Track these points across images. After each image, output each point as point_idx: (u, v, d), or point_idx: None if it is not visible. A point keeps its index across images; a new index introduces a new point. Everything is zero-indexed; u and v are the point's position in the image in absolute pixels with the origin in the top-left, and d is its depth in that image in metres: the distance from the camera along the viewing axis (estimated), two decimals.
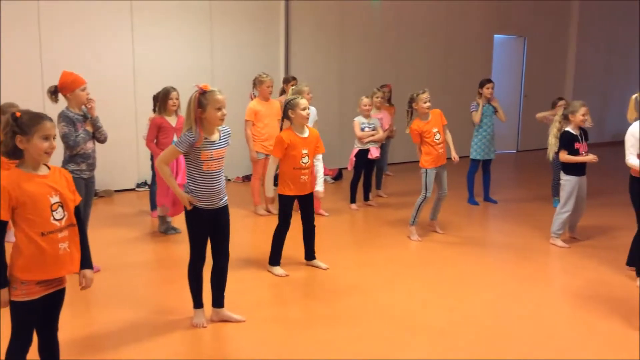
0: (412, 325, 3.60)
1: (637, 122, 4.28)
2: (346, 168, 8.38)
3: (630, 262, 4.52)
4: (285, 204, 4.50)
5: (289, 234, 4.54)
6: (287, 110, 4.42)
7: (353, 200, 6.80)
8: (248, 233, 5.76)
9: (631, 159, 4.27)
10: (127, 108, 7.47)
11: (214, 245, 3.52)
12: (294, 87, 6.63)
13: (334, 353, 3.23)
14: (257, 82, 6.34)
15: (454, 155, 5.58)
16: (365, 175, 6.87)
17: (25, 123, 2.43)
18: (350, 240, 5.69)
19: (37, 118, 2.48)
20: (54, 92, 4.27)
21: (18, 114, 2.45)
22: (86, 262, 2.61)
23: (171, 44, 7.85)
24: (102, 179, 6.63)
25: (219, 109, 3.29)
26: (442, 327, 3.58)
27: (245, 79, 8.14)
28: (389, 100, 8.43)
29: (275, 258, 4.57)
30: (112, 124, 6.24)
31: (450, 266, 4.80)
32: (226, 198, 3.51)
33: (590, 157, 5.09)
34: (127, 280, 4.37)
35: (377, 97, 7.02)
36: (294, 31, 8.86)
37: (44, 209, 2.42)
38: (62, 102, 4.23)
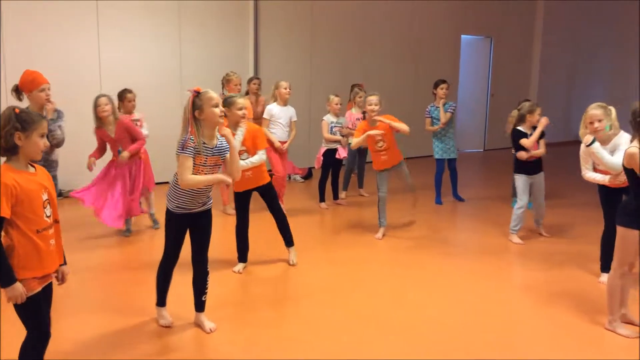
0: (379, 324, 3.63)
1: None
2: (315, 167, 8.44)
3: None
4: (238, 200, 4.60)
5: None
6: (224, 108, 4.38)
7: (322, 199, 6.84)
8: (217, 232, 5.73)
9: (587, 174, 4.22)
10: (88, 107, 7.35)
11: (194, 252, 3.48)
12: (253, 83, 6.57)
13: (302, 353, 3.24)
14: (225, 82, 6.33)
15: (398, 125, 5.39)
16: (332, 174, 6.91)
17: (26, 120, 2.44)
18: (318, 239, 5.70)
19: (36, 116, 2.52)
20: (16, 91, 4.19)
21: (17, 110, 2.45)
22: (62, 258, 2.69)
23: (138, 44, 7.74)
24: (69, 179, 6.52)
25: (216, 105, 3.25)
26: (410, 325, 3.62)
27: (214, 79, 8.08)
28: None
29: (240, 255, 4.64)
30: (79, 124, 6.16)
31: (416, 264, 4.85)
32: (210, 202, 3.46)
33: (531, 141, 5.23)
34: (89, 282, 4.32)
35: (360, 97, 6.94)
36: (262, 31, 8.83)
37: (38, 206, 2.46)
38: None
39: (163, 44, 7.97)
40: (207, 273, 3.51)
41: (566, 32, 13.34)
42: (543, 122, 5.24)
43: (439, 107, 6.97)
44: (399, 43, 10.56)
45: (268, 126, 6.21)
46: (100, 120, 5.21)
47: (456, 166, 7.20)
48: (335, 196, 7.04)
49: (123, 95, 5.79)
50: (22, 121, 2.43)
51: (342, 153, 6.80)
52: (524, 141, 5.24)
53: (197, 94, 3.24)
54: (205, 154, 3.23)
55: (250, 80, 7.58)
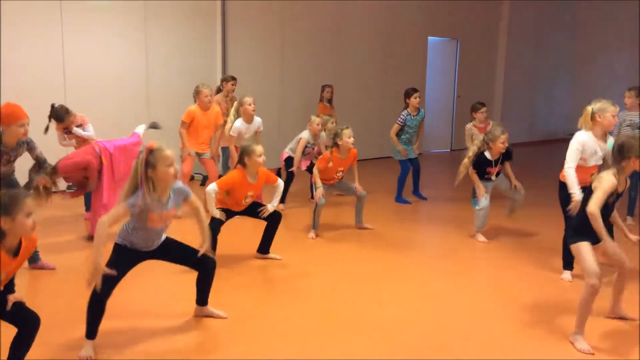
0: (344, 323, 3.64)
1: (583, 132, 4.23)
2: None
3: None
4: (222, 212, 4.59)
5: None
6: (243, 157, 4.50)
7: (282, 201, 6.84)
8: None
9: (570, 170, 4.20)
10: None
11: (187, 265, 3.50)
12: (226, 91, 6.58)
13: (268, 354, 3.24)
14: (195, 94, 6.24)
15: (358, 186, 5.74)
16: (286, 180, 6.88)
17: (8, 203, 2.44)
18: (286, 240, 5.69)
19: (19, 195, 2.53)
20: None
21: None
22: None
23: (104, 45, 7.62)
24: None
25: (170, 164, 3.12)
26: (373, 324, 3.65)
27: (182, 79, 8.05)
28: (329, 101, 8.51)
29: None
30: (43, 127, 6.03)
31: (381, 263, 4.89)
32: (164, 237, 3.42)
33: (482, 191, 5.35)
34: (51, 286, 4.23)
35: (332, 123, 7.02)
36: (230, 31, 8.78)
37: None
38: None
39: (129, 44, 7.86)
40: (214, 263, 3.57)
41: (530, 33, 13.62)
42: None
43: (416, 117, 7.03)
44: (368, 43, 10.63)
45: (234, 143, 6.19)
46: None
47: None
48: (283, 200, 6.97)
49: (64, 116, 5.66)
50: (4, 206, 2.40)
51: (302, 166, 6.75)
52: (472, 176, 5.41)
53: (150, 151, 3.09)
54: (158, 210, 3.16)
55: (227, 80, 7.53)
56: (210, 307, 3.69)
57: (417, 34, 11.50)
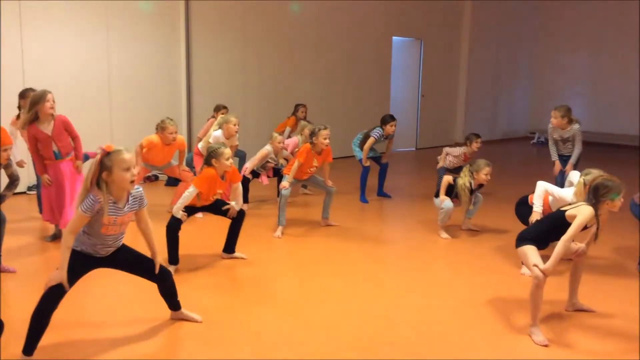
0: (305, 320, 3.66)
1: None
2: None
3: None
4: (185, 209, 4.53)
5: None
6: (211, 159, 4.50)
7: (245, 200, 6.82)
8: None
9: (536, 207, 4.51)
10: (16, 111, 7.01)
11: (142, 271, 3.37)
12: (222, 115, 6.62)
13: (225, 352, 3.23)
14: (159, 128, 5.94)
15: (328, 181, 5.85)
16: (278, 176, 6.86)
17: None
18: (252, 237, 5.67)
19: None
20: None
21: None
22: None
23: (64, 45, 7.45)
24: None
25: (128, 169, 3.00)
26: (335, 320, 3.67)
27: (144, 79, 7.94)
28: (304, 119, 8.40)
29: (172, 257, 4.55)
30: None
31: (343, 262, 4.92)
32: (121, 244, 3.30)
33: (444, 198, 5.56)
34: (14, 291, 4.13)
35: (309, 130, 6.89)
36: (194, 30, 8.69)
37: None
38: None
39: (90, 44, 7.71)
40: (169, 272, 3.46)
41: (491, 34, 13.87)
42: None
43: (385, 141, 7.22)
44: (332, 43, 10.65)
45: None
46: (38, 118, 4.87)
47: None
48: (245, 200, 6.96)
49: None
50: None
51: (264, 180, 6.71)
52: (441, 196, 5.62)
53: (107, 154, 2.98)
54: (114, 214, 3.05)
55: (218, 109, 7.55)
56: (185, 310, 3.62)
57: (382, 34, 11.58)
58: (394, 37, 11.92)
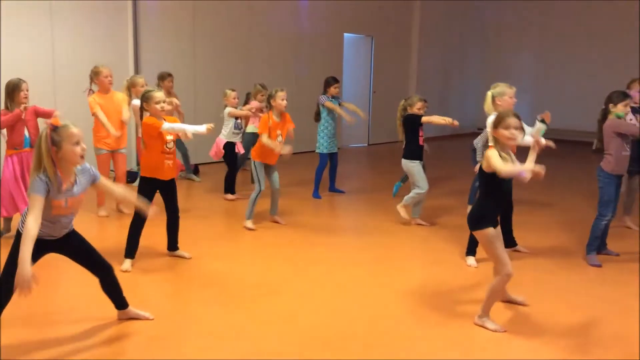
0: (257, 314, 3.66)
1: (491, 116, 4.37)
2: (202, 163, 8.35)
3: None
4: (144, 189, 4.37)
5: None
6: (143, 104, 4.37)
7: (230, 191, 6.89)
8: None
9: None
10: None
11: (87, 264, 3.28)
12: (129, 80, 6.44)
13: (178, 350, 3.21)
14: (93, 75, 5.82)
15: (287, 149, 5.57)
16: (232, 167, 6.97)
17: None
18: (204, 233, 5.64)
19: None
20: None
21: None
22: None
23: (7, 41, 7.14)
24: None
25: (77, 143, 2.90)
26: (287, 314, 3.68)
27: (90, 64, 7.73)
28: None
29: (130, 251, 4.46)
30: None
31: (296, 255, 4.95)
32: (72, 228, 3.21)
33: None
34: None
35: (262, 95, 6.99)
36: (142, 26, 8.50)
37: None
38: None
39: (33, 40, 7.45)
40: (111, 267, 3.35)
41: (441, 31, 14.12)
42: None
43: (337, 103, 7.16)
44: (283, 39, 10.61)
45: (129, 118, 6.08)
46: (15, 105, 5.00)
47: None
48: (232, 190, 7.00)
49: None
50: None
51: (240, 149, 6.96)
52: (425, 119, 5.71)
53: (54, 128, 2.87)
54: (63, 197, 2.94)
55: (164, 78, 7.38)
56: (133, 308, 3.52)
57: (333, 30, 11.62)
58: (345, 34, 11.98)
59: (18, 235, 2.94)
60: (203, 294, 4.04)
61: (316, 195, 7.19)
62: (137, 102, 5.99)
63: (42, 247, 3.01)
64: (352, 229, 6.10)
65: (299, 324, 3.57)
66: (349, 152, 11.48)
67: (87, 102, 5.92)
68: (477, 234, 3.50)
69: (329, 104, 7.00)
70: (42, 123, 5.08)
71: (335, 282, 4.33)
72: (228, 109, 6.88)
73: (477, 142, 6.02)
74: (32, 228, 2.79)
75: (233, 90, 6.97)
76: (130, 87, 6.06)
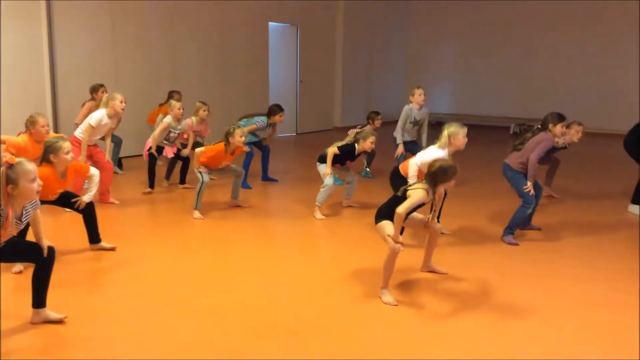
0: (190, 308, 3.63)
1: (440, 151, 4.72)
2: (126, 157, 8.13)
3: None
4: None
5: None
6: (48, 155, 4.18)
7: (151, 186, 6.79)
8: None
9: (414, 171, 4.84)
10: None
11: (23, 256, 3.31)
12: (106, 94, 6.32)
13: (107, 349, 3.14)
14: (29, 124, 5.26)
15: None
16: (183, 160, 6.93)
17: None
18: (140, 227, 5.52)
19: None
20: None
21: None
22: None
23: None
24: None
25: (34, 179, 2.95)
26: (223, 307, 3.69)
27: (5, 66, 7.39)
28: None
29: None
30: None
31: (233, 248, 4.95)
32: None
33: (329, 171, 5.77)
34: None
35: (204, 112, 7.00)
36: (57, 25, 8.09)
37: None
38: None
39: None
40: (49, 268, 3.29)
41: (366, 20, 14.31)
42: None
43: (268, 129, 7.24)
44: (206, 31, 10.39)
45: (90, 133, 5.92)
46: None
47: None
48: (183, 180, 7.04)
49: None
50: None
51: (169, 153, 6.79)
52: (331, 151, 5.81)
53: (10, 166, 2.88)
54: (11, 228, 3.00)
55: (97, 89, 7.18)
56: (48, 310, 3.35)
57: (258, 19, 11.52)
58: (270, 23, 11.92)
59: None
60: (125, 289, 3.96)
61: (245, 185, 7.17)
62: (100, 113, 6.00)
63: None
64: (284, 218, 6.10)
65: (226, 316, 3.56)
66: (277, 141, 11.45)
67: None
68: (376, 227, 3.87)
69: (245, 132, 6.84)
70: None
71: (260, 272, 4.34)
72: (167, 120, 6.68)
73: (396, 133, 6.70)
74: None
75: (178, 101, 6.91)
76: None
